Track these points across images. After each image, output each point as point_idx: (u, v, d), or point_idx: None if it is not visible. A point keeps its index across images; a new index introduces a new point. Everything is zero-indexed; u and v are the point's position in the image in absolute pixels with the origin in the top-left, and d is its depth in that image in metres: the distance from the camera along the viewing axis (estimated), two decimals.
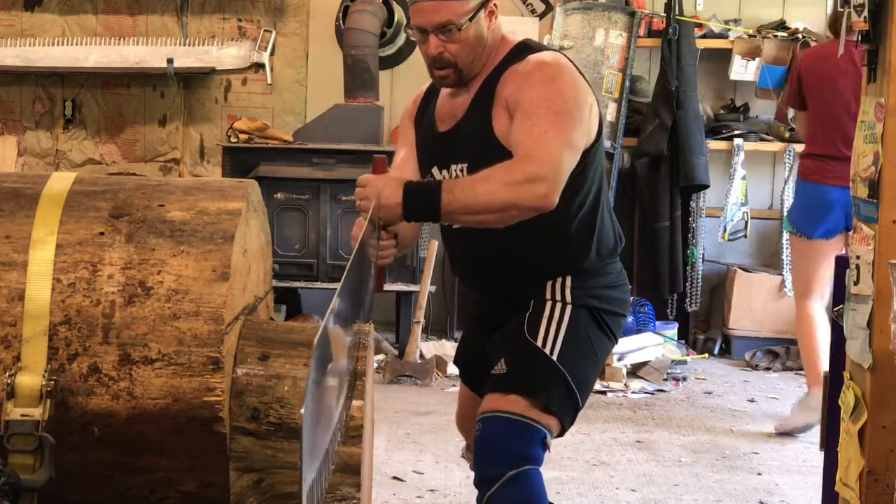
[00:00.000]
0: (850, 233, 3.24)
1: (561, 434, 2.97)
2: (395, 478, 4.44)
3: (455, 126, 2.99)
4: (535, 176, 2.72)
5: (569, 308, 2.93)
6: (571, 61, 3.06)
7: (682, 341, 6.52)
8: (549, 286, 2.95)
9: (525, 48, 3.00)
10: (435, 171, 3.01)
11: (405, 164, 3.10)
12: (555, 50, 3.12)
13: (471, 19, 2.89)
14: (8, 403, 2.63)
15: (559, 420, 2.90)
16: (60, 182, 2.90)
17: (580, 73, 3.02)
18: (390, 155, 3.21)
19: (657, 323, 6.35)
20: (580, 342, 2.94)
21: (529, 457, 2.84)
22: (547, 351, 2.90)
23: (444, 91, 3.05)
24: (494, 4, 2.96)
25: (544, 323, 2.93)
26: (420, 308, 6.16)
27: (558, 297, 2.94)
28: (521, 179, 2.71)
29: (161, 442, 2.70)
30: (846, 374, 3.19)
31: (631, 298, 6.25)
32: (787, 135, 6.48)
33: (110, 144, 7.17)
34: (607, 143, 6.19)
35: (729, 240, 6.60)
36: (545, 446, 2.89)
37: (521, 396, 2.86)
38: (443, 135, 3.02)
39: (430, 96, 3.15)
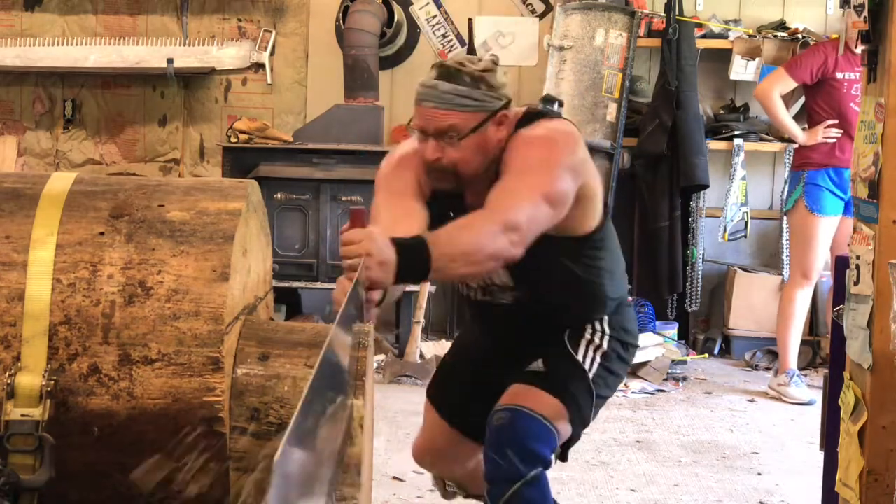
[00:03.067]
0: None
1: (568, 449, 3.05)
2: (395, 478, 4.44)
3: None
4: (510, 224, 2.61)
5: (607, 337, 3.03)
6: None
7: (682, 341, 6.52)
8: (586, 328, 3.05)
9: (536, 115, 2.93)
10: None
11: (415, 215, 2.82)
12: (565, 119, 3.07)
13: (475, 129, 2.78)
14: (8, 403, 2.63)
15: (572, 436, 2.99)
16: (60, 182, 2.90)
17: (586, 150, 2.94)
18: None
19: (657, 323, 6.36)
20: (609, 370, 3.03)
21: (545, 460, 2.88)
22: (585, 367, 2.98)
23: None
24: (504, 115, 2.82)
25: (584, 343, 3.02)
26: (420, 308, 6.16)
27: (597, 326, 3.04)
28: (501, 228, 2.59)
29: (161, 442, 2.70)
30: (846, 374, 3.19)
31: (630, 299, 6.31)
32: (786, 135, 6.48)
33: (110, 144, 7.17)
34: (607, 143, 6.20)
35: (729, 240, 6.60)
36: (553, 452, 2.93)
37: (555, 399, 2.92)
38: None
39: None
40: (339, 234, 2.53)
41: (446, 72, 2.77)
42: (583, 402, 2.96)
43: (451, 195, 2.90)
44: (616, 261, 3.10)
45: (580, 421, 2.98)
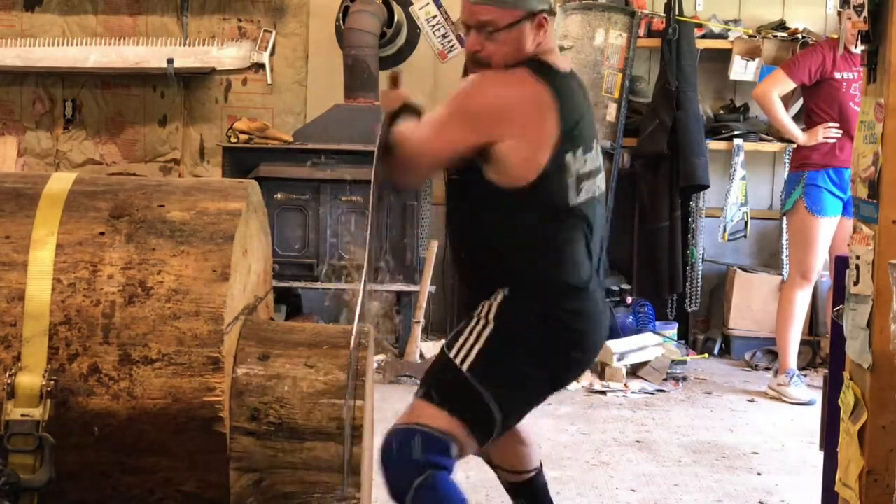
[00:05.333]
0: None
1: (481, 444, 3.00)
2: None
3: None
4: (412, 155, 2.97)
5: (489, 326, 2.95)
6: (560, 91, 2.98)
7: (682, 341, 6.52)
8: (482, 304, 2.98)
9: (531, 64, 2.98)
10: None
11: None
12: (542, 79, 3.00)
13: (512, 25, 2.95)
14: (8, 403, 2.63)
15: (468, 431, 2.92)
16: (60, 182, 2.90)
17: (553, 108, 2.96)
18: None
19: (657, 323, 6.36)
20: (498, 359, 2.94)
21: (429, 464, 2.87)
22: (458, 362, 2.94)
23: None
24: (544, 18, 2.98)
25: (463, 337, 2.97)
26: (420, 308, 6.16)
27: (483, 314, 2.97)
28: (413, 153, 2.98)
29: (161, 442, 2.70)
30: (846, 374, 3.19)
31: (630, 300, 6.31)
32: (786, 136, 6.48)
33: (110, 144, 7.17)
34: (607, 143, 6.19)
35: (729, 240, 6.60)
36: (447, 454, 2.91)
37: (424, 403, 2.94)
38: None
39: None
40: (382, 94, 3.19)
41: None
42: (460, 395, 2.92)
43: None
44: (554, 233, 2.97)
45: (471, 412, 2.91)
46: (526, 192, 2.92)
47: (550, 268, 2.97)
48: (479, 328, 2.95)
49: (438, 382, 2.96)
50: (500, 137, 2.89)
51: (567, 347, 3.00)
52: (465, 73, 3.21)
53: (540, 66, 2.98)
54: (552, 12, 3.02)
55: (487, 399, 2.92)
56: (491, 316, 2.95)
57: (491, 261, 3.00)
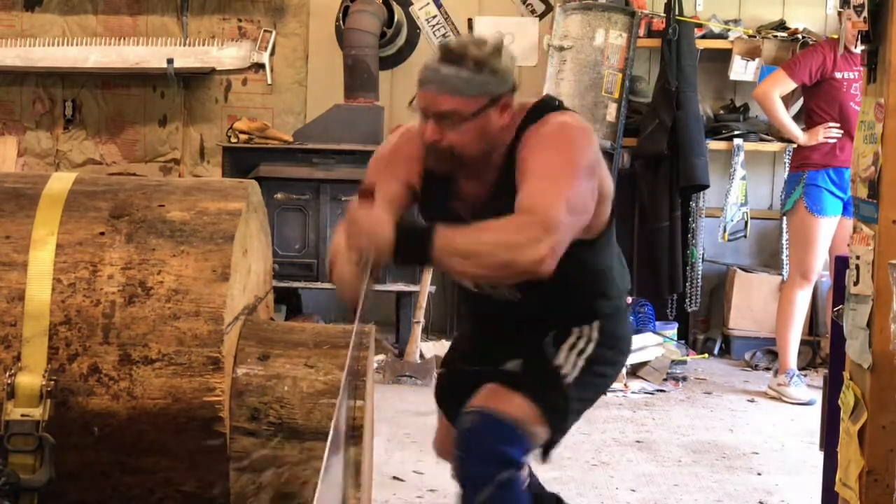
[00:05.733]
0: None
1: (542, 458, 3.00)
2: (395, 478, 4.44)
3: (483, 206, 2.80)
4: (538, 238, 2.57)
5: (593, 343, 2.96)
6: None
7: (682, 341, 6.52)
8: (577, 329, 2.98)
9: (544, 107, 2.87)
10: None
11: (397, 201, 2.83)
12: (573, 112, 2.97)
13: (475, 114, 2.74)
14: (8, 403, 2.63)
15: (548, 440, 2.92)
16: (60, 182, 2.90)
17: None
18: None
19: (657, 323, 6.35)
20: (593, 378, 2.97)
21: (515, 462, 2.83)
22: (564, 372, 2.92)
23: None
24: (508, 100, 2.77)
25: (567, 346, 2.95)
26: (420, 308, 6.16)
27: (586, 330, 2.97)
28: (523, 240, 2.57)
29: (161, 442, 2.70)
30: (846, 374, 3.19)
31: (630, 299, 6.30)
32: (786, 136, 6.48)
33: (110, 144, 7.17)
34: (607, 143, 6.19)
35: (729, 240, 6.60)
36: (528, 457, 2.89)
37: (526, 401, 2.85)
38: (467, 217, 2.78)
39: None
40: (344, 215, 2.65)
41: (449, 55, 2.73)
42: (557, 405, 2.90)
43: (443, 180, 2.88)
44: (617, 264, 3.05)
45: (556, 424, 2.91)
46: (606, 228, 2.94)
47: (623, 292, 3.06)
48: (582, 343, 2.95)
49: (543, 386, 2.91)
50: (600, 174, 2.81)
51: (622, 365, 3.13)
52: (427, 158, 2.87)
53: (547, 103, 2.88)
54: (514, 90, 2.80)
55: (572, 414, 2.95)
56: (594, 336, 2.96)
57: (581, 300, 2.98)
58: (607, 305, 3.01)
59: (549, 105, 2.89)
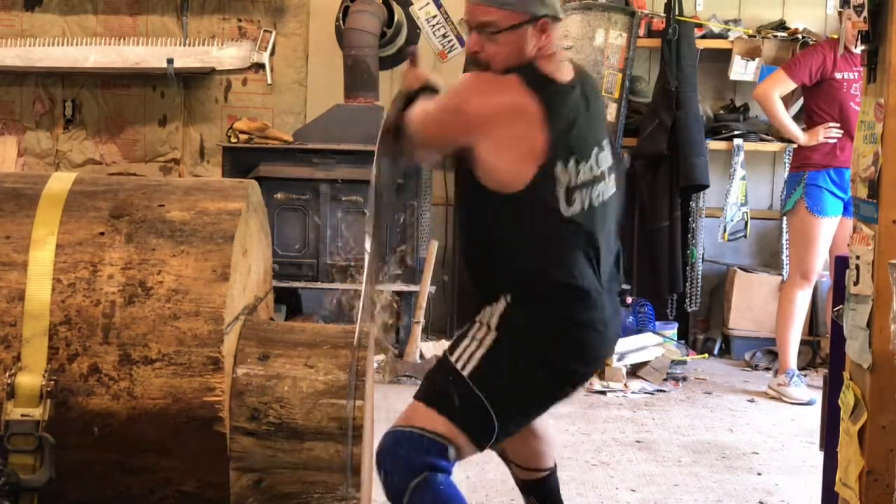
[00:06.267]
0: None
1: (480, 450, 2.99)
2: None
3: None
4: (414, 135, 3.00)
5: (492, 333, 2.93)
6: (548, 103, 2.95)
7: (682, 341, 6.52)
8: (485, 310, 2.96)
9: (523, 69, 2.95)
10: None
11: None
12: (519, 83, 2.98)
13: (513, 28, 2.93)
14: (8, 403, 2.63)
15: (466, 435, 2.91)
16: (60, 182, 2.90)
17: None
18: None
19: (657, 323, 6.35)
20: (500, 367, 2.92)
21: (426, 466, 2.86)
22: (459, 367, 2.92)
23: None
24: (547, 23, 2.96)
25: (465, 342, 2.95)
26: (420, 308, 6.16)
27: (485, 320, 2.94)
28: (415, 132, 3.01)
29: (161, 442, 2.70)
30: (846, 374, 3.19)
31: (630, 299, 6.30)
32: (787, 136, 6.48)
33: (110, 144, 7.17)
34: None
35: (729, 240, 6.60)
36: (445, 456, 2.90)
37: (422, 405, 2.93)
38: None
39: None
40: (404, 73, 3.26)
41: None
42: (460, 400, 2.90)
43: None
44: (550, 242, 2.93)
45: (471, 418, 2.90)
46: (517, 199, 2.90)
47: (550, 276, 2.93)
48: (481, 334, 2.93)
49: (438, 386, 2.95)
50: (480, 142, 2.88)
51: (567, 358, 2.97)
52: (466, 72, 3.22)
53: (533, 74, 2.93)
54: (556, 18, 2.99)
55: (487, 406, 2.90)
56: (493, 323, 2.92)
57: (493, 264, 2.98)
58: (516, 287, 2.93)
59: (529, 72, 2.96)
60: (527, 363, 2.93)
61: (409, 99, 3.09)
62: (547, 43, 2.97)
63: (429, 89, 3.10)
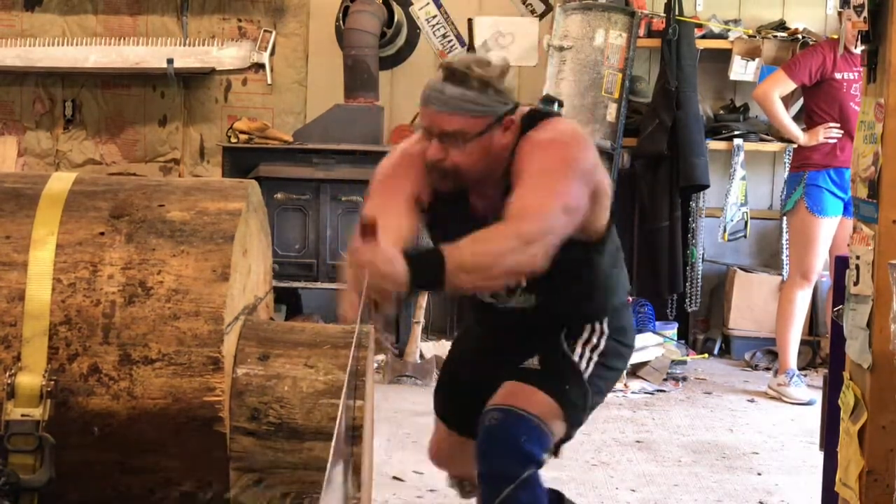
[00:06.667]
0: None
1: (554, 453, 3.03)
2: (395, 478, 4.44)
3: (494, 215, 2.74)
4: (531, 237, 2.59)
5: (605, 337, 3.00)
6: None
7: (682, 341, 6.52)
8: (589, 326, 3.02)
9: (539, 114, 2.88)
10: None
11: (404, 221, 2.79)
12: (567, 119, 3.03)
13: (480, 134, 2.75)
14: (8, 403, 2.63)
15: (565, 435, 2.97)
16: (60, 182, 2.90)
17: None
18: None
19: (657, 323, 6.35)
20: (605, 369, 3.00)
21: (538, 461, 2.85)
22: (581, 367, 2.95)
23: None
24: (511, 119, 2.78)
25: (581, 342, 2.98)
26: (420, 308, 6.16)
27: (597, 326, 3.00)
28: (520, 245, 2.58)
29: (161, 442, 2.70)
30: (846, 374, 3.19)
31: (630, 299, 6.31)
32: (787, 136, 6.48)
33: (110, 144, 7.17)
34: (607, 143, 6.19)
35: (729, 240, 6.60)
36: (549, 453, 2.91)
37: (549, 398, 2.88)
38: (483, 224, 2.74)
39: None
40: (347, 251, 2.54)
41: (454, 75, 2.73)
42: (577, 401, 2.93)
43: (453, 197, 2.87)
44: (618, 261, 3.09)
45: (574, 420, 2.96)
46: (604, 242, 2.97)
47: (623, 281, 3.11)
48: (595, 338, 3.00)
49: (563, 382, 2.94)
50: (597, 177, 2.82)
51: (627, 359, 3.18)
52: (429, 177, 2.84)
53: (543, 111, 2.93)
54: (517, 106, 2.81)
55: (588, 407, 2.99)
56: (605, 328, 3.00)
57: (587, 301, 3.02)
58: (613, 302, 3.06)
59: (543, 113, 2.92)
60: (619, 363, 3.08)
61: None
62: (510, 136, 2.79)
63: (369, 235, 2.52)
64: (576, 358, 2.95)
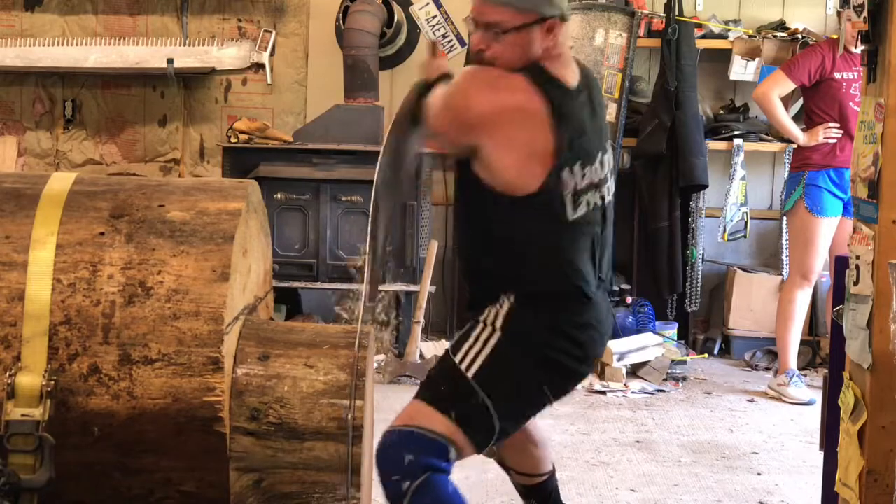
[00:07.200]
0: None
1: (479, 451, 2.99)
2: None
3: None
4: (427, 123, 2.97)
5: (496, 334, 2.93)
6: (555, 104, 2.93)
7: (682, 341, 6.52)
8: (489, 310, 2.96)
9: (533, 72, 2.91)
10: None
11: None
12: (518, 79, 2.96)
13: (519, 28, 2.88)
14: (8, 403, 2.63)
15: (467, 436, 2.91)
16: (60, 182, 2.90)
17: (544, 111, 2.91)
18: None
19: (657, 323, 6.35)
20: (503, 367, 2.92)
21: (426, 466, 2.85)
22: (463, 368, 2.92)
23: None
24: (555, 23, 2.91)
25: (469, 342, 2.95)
26: (420, 308, 6.16)
27: (490, 320, 2.95)
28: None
29: (161, 442, 2.70)
30: (846, 374, 3.19)
31: (630, 300, 6.31)
32: (786, 136, 6.48)
33: (110, 145, 7.17)
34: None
35: (728, 240, 6.60)
36: (445, 457, 2.89)
37: (424, 404, 2.93)
38: None
39: None
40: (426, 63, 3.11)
41: None
42: (462, 400, 2.90)
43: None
44: (557, 238, 2.94)
45: (472, 419, 2.90)
46: (524, 202, 2.88)
47: (554, 278, 2.95)
48: (485, 335, 2.94)
49: (441, 387, 2.95)
50: (484, 141, 2.85)
51: (569, 358, 2.97)
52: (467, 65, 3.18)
53: (541, 76, 2.91)
54: (564, 18, 2.94)
55: (489, 406, 2.91)
56: (498, 324, 2.93)
57: (495, 265, 2.97)
58: (519, 289, 2.94)
59: (537, 73, 2.92)
60: (531, 363, 2.94)
61: (427, 89, 3.02)
62: (554, 44, 2.93)
63: (448, 80, 3.02)
64: (459, 356, 2.93)
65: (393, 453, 2.87)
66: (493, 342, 2.92)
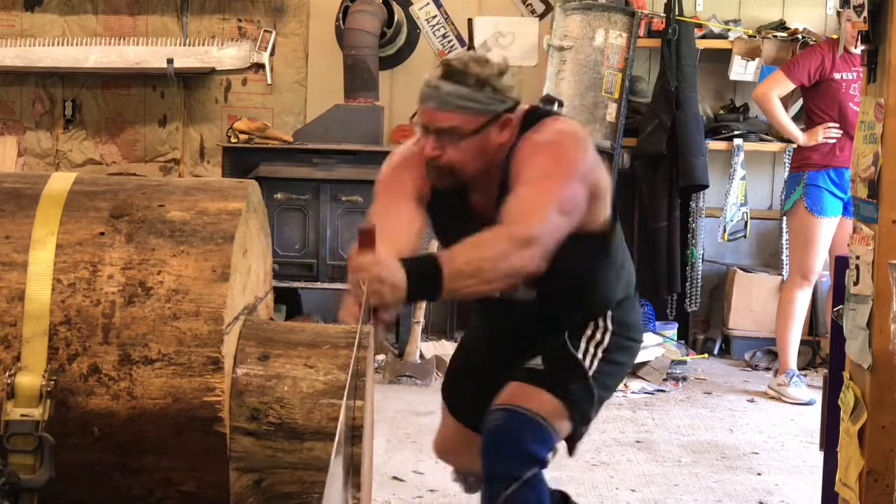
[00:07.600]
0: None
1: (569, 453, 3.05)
2: (395, 478, 4.44)
3: (491, 221, 2.72)
4: (526, 241, 2.60)
5: (609, 333, 2.99)
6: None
7: (682, 341, 6.52)
8: (593, 321, 3.02)
9: (539, 114, 2.89)
10: None
11: (412, 221, 2.83)
12: (567, 118, 3.01)
13: (475, 132, 2.77)
14: (8, 403, 2.63)
15: (573, 434, 2.96)
16: (60, 182, 2.90)
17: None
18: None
19: (657, 323, 6.35)
20: (610, 365, 3.00)
21: (541, 460, 2.86)
22: (586, 365, 2.95)
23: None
24: (508, 118, 2.80)
25: (585, 339, 2.98)
26: (420, 308, 6.16)
27: (600, 322, 3.00)
28: (513, 249, 2.58)
29: (161, 442, 2.70)
30: (846, 374, 3.19)
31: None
32: (786, 136, 6.48)
33: (110, 145, 7.17)
34: (606, 143, 6.19)
35: (728, 240, 6.60)
36: (554, 452, 2.92)
37: (552, 397, 2.89)
38: (483, 221, 2.76)
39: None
40: (347, 259, 2.55)
41: (451, 72, 2.74)
42: (582, 399, 2.93)
43: (453, 193, 2.88)
44: (623, 256, 3.07)
45: (581, 418, 2.95)
46: (609, 229, 2.96)
47: (628, 276, 3.09)
48: (599, 334, 2.99)
49: (567, 380, 2.94)
50: (595, 176, 2.82)
51: (642, 337, 3.18)
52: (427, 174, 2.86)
53: (542, 111, 2.93)
54: (516, 105, 2.82)
55: (598, 404, 2.97)
56: (609, 324, 3.00)
57: (591, 294, 3.02)
58: (618, 296, 3.04)
59: (542, 112, 2.91)
60: (627, 357, 3.07)
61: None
62: (507, 135, 2.80)
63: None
64: (580, 355, 2.95)
65: (515, 435, 2.82)
66: (607, 340, 2.99)
